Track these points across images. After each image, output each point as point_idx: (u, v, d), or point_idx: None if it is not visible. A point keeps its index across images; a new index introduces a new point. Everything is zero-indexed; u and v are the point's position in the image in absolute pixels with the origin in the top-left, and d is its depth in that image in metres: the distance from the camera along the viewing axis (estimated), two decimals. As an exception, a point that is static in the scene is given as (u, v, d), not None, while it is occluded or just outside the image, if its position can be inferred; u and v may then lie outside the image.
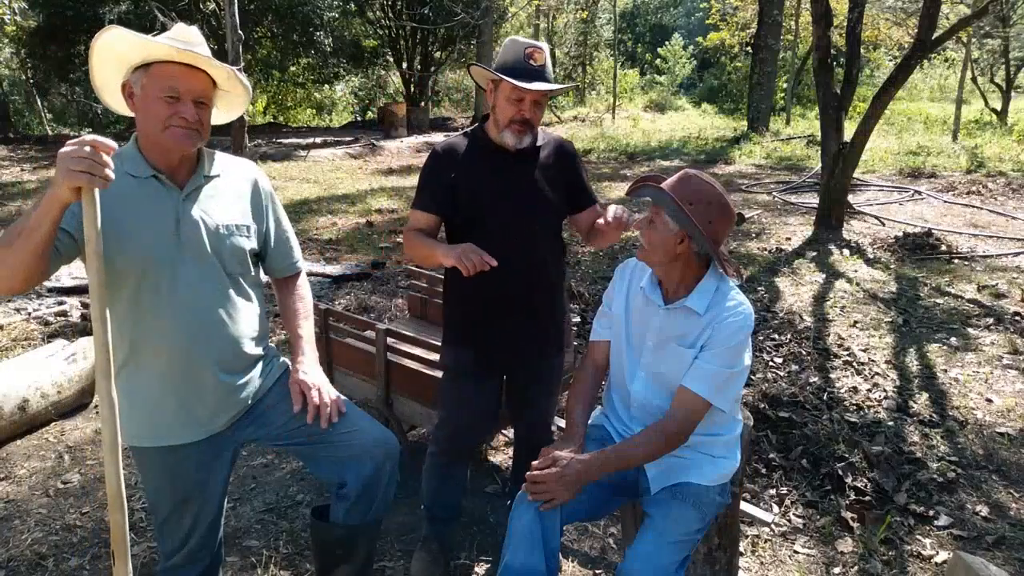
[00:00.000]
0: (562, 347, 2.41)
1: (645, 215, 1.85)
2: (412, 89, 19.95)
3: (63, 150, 1.44)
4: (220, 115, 1.95)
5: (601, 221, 2.06)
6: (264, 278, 2.04)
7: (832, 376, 3.91)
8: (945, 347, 4.34)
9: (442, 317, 3.45)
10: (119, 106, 1.81)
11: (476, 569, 2.52)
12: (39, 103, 18.66)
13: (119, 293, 1.73)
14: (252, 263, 1.90)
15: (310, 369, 1.97)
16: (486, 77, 2.15)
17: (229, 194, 1.85)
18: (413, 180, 11.06)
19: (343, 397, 1.99)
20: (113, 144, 1.48)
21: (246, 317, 1.88)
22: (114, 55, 1.68)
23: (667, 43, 31.13)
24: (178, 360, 1.78)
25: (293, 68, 19.68)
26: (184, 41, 1.68)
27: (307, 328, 2.05)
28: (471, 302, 2.24)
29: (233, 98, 1.89)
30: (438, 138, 15.64)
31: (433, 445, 2.43)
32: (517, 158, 2.16)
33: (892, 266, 6.04)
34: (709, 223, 1.74)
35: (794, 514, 2.83)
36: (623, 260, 2.14)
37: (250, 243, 1.87)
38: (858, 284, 5.55)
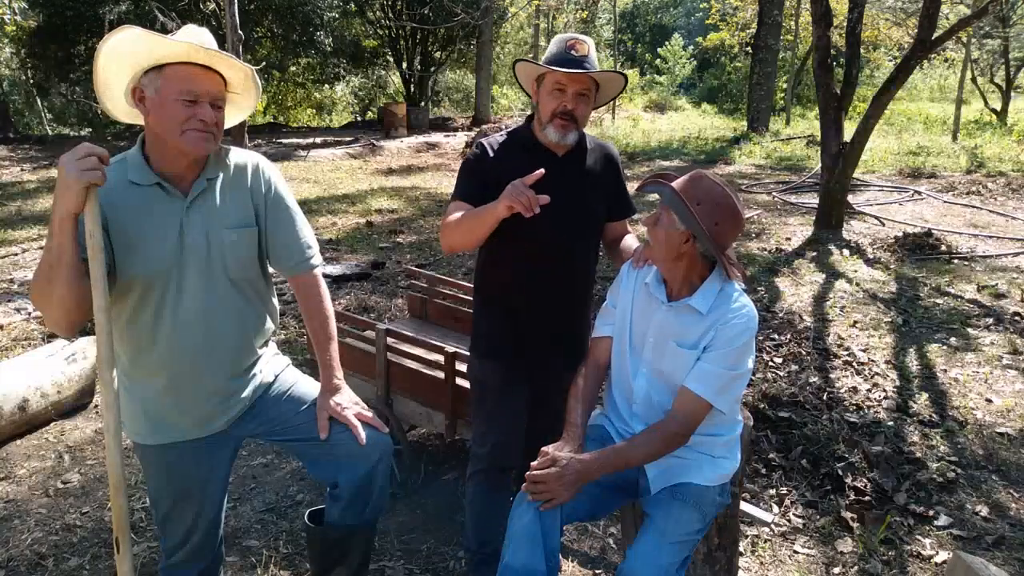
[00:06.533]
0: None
1: (655, 211, 1.84)
2: (412, 89, 19.95)
3: (65, 164, 1.47)
4: (226, 118, 1.88)
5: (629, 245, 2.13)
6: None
7: (832, 376, 3.91)
8: (945, 347, 4.34)
9: (439, 317, 3.43)
10: (120, 111, 1.77)
11: (476, 569, 2.52)
12: (39, 103, 18.65)
13: (121, 306, 1.72)
14: (259, 264, 1.87)
15: (340, 398, 1.94)
16: (530, 76, 2.09)
17: (232, 194, 1.80)
18: (413, 180, 11.11)
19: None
20: (102, 150, 1.50)
21: (250, 324, 1.86)
22: (126, 56, 1.63)
23: (667, 43, 31.15)
24: (179, 375, 1.77)
25: (293, 68, 19.66)
26: (200, 42, 1.65)
27: (331, 349, 1.97)
28: (506, 312, 2.16)
29: (241, 100, 1.85)
30: (438, 138, 15.63)
31: (475, 465, 2.28)
32: (564, 161, 2.09)
33: (892, 266, 6.04)
34: (715, 224, 1.73)
35: (794, 514, 2.83)
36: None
37: (255, 243, 1.84)
38: (858, 284, 5.55)
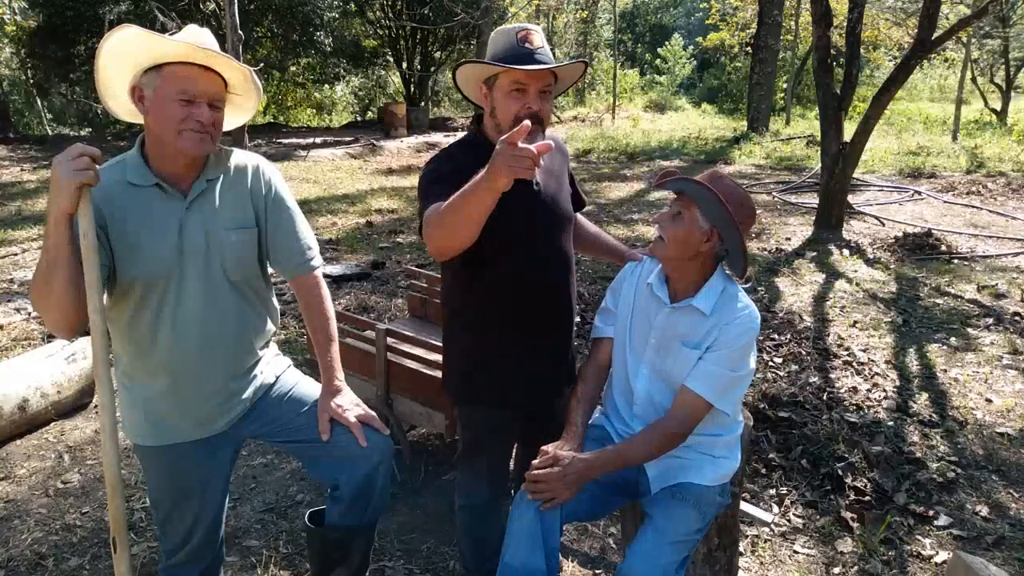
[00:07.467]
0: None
1: (670, 208, 1.79)
2: (412, 89, 19.95)
3: (58, 165, 1.47)
4: (227, 120, 1.87)
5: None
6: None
7: (832, 376, 3.91)
8: (945, 347, 4.34)
9: (439, 317, 3.43)
10: (122, 109, 1.77)
11: (476, 569, 2.52)
12: (39, 103, 18.63)
13: (121, 308, 1.72)
14: (258, 265, 1.87)
15: (342, 399, 1.93)
16: (476, 78, 1.85)
17: (232, 194, 1.80)
18: (413, 180, 11.09)
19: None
20: (95, 150, 1.50)
21: (250, 325, 1.86)
22: (126, 55, 1.63)
23: (667, 43, 31.17)
24: (180, 376, 1.77)
25: (293, 68, 19.67)
26: (199, 42, 1.65)
27: (332, 351, 1.95)
28: (495, 340, 1.97)
29: (242, 102, 1.85)
30: (438, 138, 15.63)
31: (466, 499, 2.17)
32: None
33: (892, 266, 6.04)
34: (739, 225, 1.72)
35: (794, 514, 2.83)
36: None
37: (254, 244, 1.84)
38: (858, 284, 5.55)
